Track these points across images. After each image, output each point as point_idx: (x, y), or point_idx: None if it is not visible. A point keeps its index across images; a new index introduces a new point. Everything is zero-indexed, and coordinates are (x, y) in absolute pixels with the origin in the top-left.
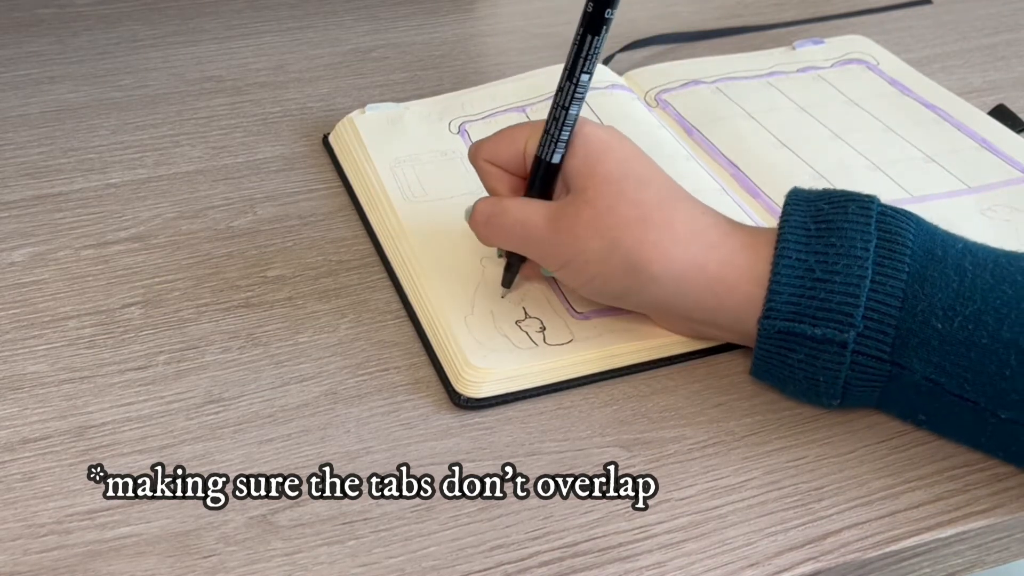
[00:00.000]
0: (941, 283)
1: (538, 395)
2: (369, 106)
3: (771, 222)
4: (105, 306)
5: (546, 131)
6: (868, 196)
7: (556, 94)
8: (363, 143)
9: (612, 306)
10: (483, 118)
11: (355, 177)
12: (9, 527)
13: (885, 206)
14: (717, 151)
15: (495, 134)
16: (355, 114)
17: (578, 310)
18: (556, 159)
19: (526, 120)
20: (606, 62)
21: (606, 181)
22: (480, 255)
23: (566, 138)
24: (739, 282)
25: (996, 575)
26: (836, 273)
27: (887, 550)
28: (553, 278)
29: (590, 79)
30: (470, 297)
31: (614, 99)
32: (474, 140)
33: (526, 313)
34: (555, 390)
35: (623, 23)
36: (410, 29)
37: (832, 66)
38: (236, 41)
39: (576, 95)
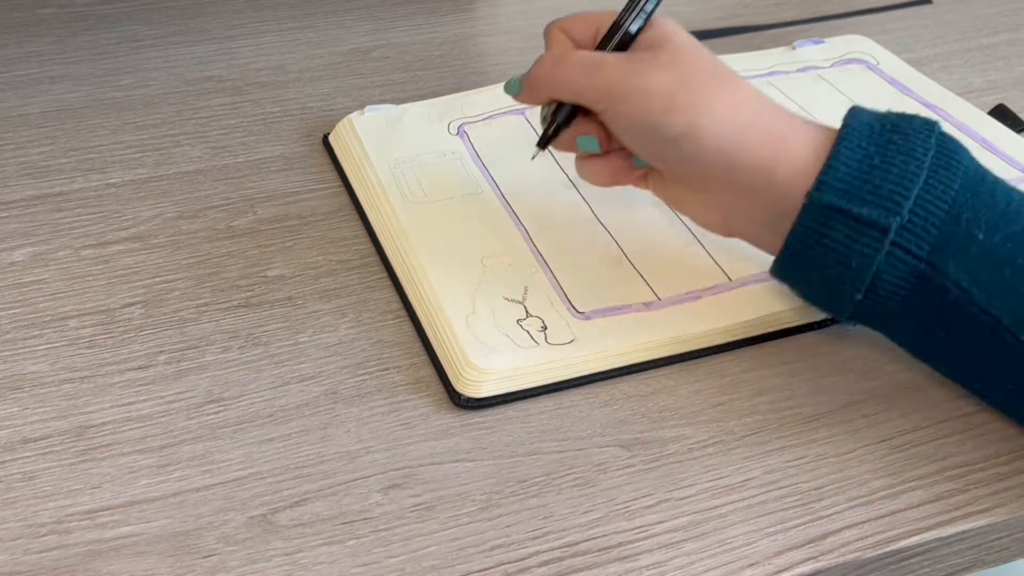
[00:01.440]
0: (989, 201)
1: (538, 395)
2: (368, 108)
3: None
4: (105, 306)
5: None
6: (932, 119)
7: None
8: (362, 144)
9: (657, 160)
10: (483, 119)
11: (355, 177)
12: (9, 527)
13: (945, 131)
14: None
15: (573, 13)
16: (354, 115)
17: (580, 310)
18: (634, 28)
19: (525, 122)
20: None
21: (685, 46)
22: (481, 255)
23: (651, 9)
24: (800, 148)
25: (996, 575)
26: (893, 165)
27: (887, 550)
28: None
29: None
30: (471, 297)
31: None
32: (474, 141)
33: (527, 312)
34: (555, 390)
35: None
36: (410, 29)
37: (832, 66)
38: (236, 41)
39: None
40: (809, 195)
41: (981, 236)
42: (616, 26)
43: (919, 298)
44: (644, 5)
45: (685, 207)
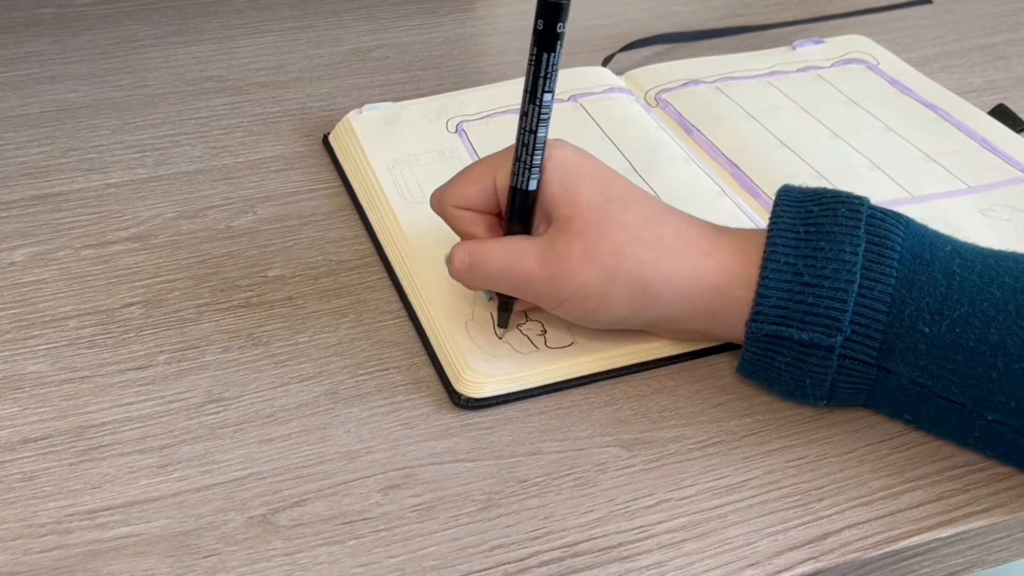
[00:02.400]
0: (928, 287)
1: (538, 395)
2: (367, 106)
3: None
4: (105, 306)
5: (517, 159)
6: (858, 198)
7: (521, 119)
8: (360, 144)
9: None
10: (481, 118)
11: (355, 177)
12: (9, 527)
13: (875, 208)
14: (717, 151)
15: (455, 178)
16: (352, 114)
17: None
18: (532, 186)
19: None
20: (606, 62)
21: (590, 208)
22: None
23: (539, 162)
24: (732, 287)
25: (996, 575)
26: (824, 278)
27: (887, 550)
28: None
29: (552, 98)
30: (470, 302)
31: (612, 102)
32: (472, 140)
33: (527, 316)
34: (555, 390)
35: (623, 23)
36: (410, 29)
37: (832, 66)
38: (236, 41)
39: (542, 117)
40: (748, 326)
41: (927, 330)
42: (514, 190)
43: (880, 395)
44: (532, 161)
45: (651, 332)
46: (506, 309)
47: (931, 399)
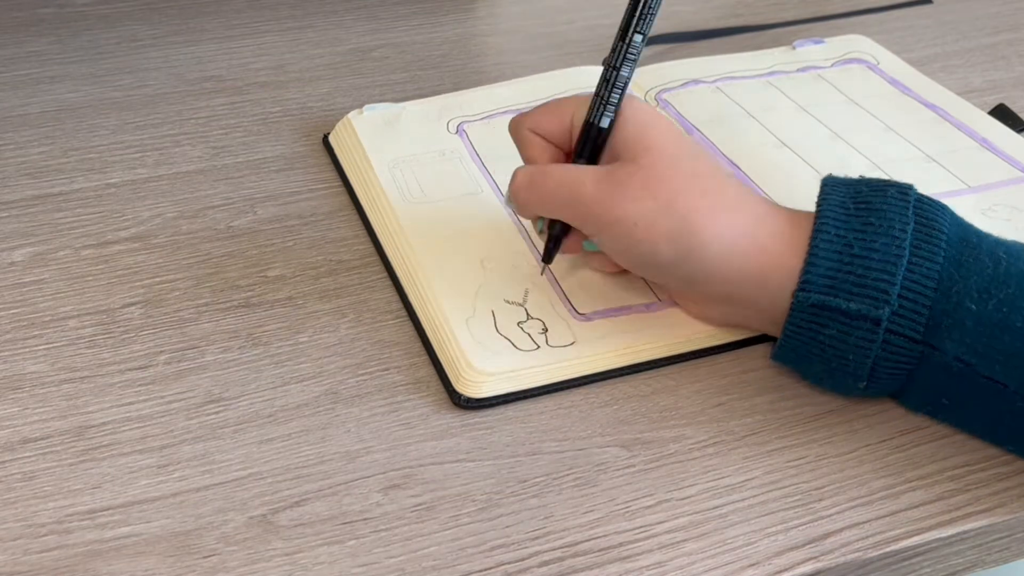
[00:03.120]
0: (976, 267)
1: (538, 395)
2: (367, 106)
3: None
4: (105, 306)
5: (596, 94)
6: (906, 184)
7: (609, 55)
8: (361, 144)
9: (651, 279)
10: (481, 119)
11: (355, 177)
12: (9, 527)
13: (922, 195)
14: (717, 151)
15: (540, 105)
16: (352, 115)
17: (580, 312)
18: (605, 123)
19: None
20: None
21: (660, 150)
22: (480, 256)
23: (616, 101)
24: (784, 255)
25: (997, 575)
26: (874, 250)
27: (888, 550)
28: (596, 253)
29: (643, 41)
30: (471, 299)
31: None
32: (473, 141)
33: (528, 315)
34: (555, 390)
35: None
36: (410, 29)
37: (832, 66)
38: (236, 41)
39: (628, 56)
40: (795, 295)
41: (974, 307)
42: (588, 124)
43: (922, 375)
44: (610, 98)
45: (683, 304)
46: (555, 241)
47: (973, 378)
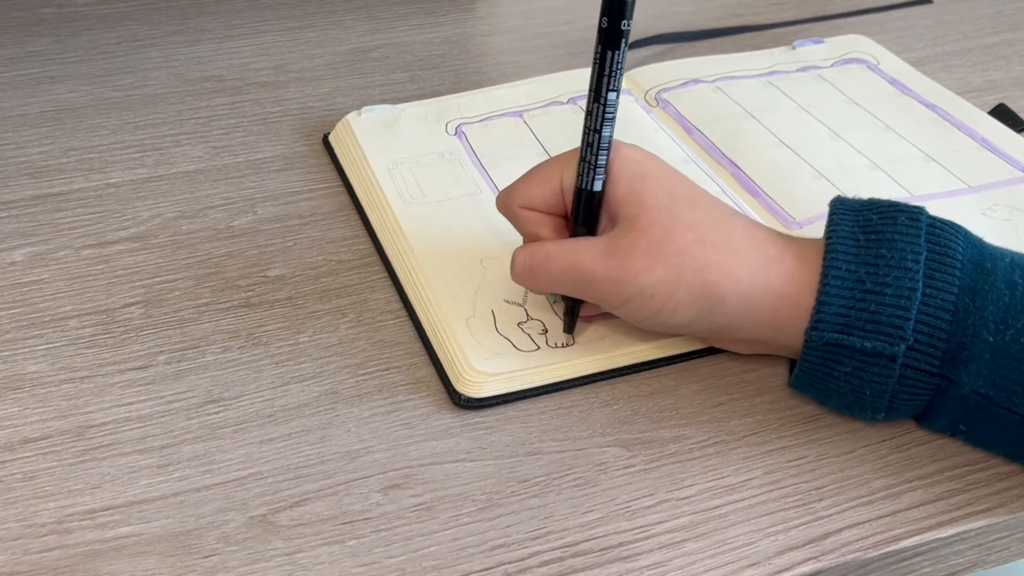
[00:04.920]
0: (992, 296)
1: (538, 395)
2: (365, 108)
3: (771, 222)
4: (105, 306)
5: (582, 159)
6: (916, 208)
7: (586, 118)
8: (360, 145)
9: (673, 334)
10: (480, 121)
11: (355, 177)
12: (9, 527)
13: (934, 218)
14: (717, 150)
15: (523, 177)
16: (351, 116)
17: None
18: (597, 187)
19: (523, 125)
20: None
21: (656, 207)
22: (480, 256)
23: (604, 163)
24: (799, 295)
25: (997, 575)
26: (887, 285)
27: (888, 550)
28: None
29: (618, 96)
30: (471, 299)
31: None
32: (472, 142)
33: (528, 315)
34: (555, 390)
35: None
36: (410, 29)
37: (832, 66)
38: (236, 41)
39: (607, 116)
40: (808, 334)
41: (991, 339)
42: (580, 191)
43: (939, 405)
44: (597, 161)
45: (710, 343)
46: (571, 313)
47: (992, 410)
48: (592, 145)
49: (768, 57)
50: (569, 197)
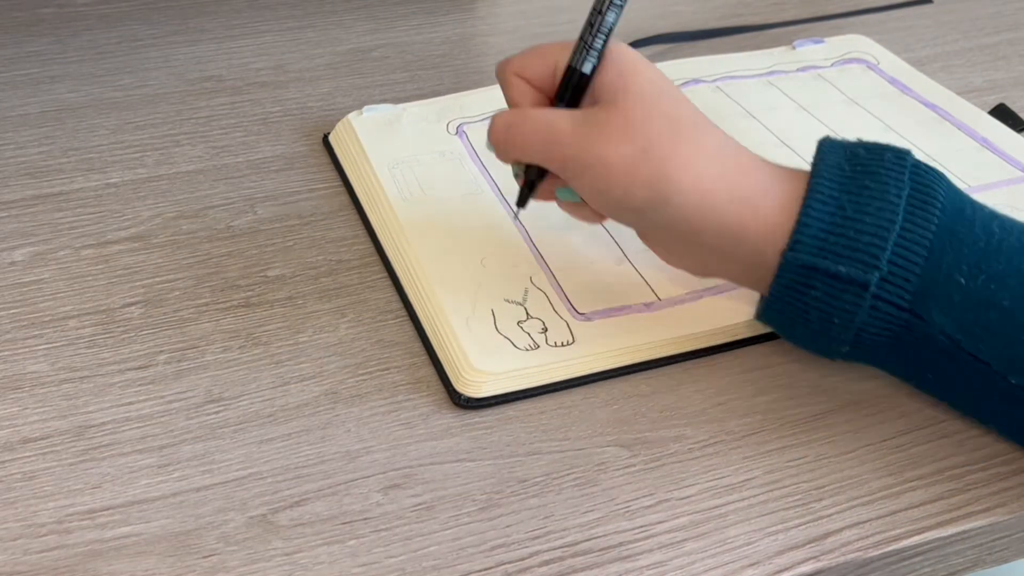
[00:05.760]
0: (969, 240)
1: (538, 395)
2: (366, 108)
3: None
4: (105, 306)
5: (580, 38)
6: (903, 148)
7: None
8: (361, 145)
9: (626, 224)
10: (481, 120)
11: (355, 177)
12: (9, 527)
13: (919, 161)
14: None
15: (526, 49)
16: (352, 115)
17: (580, 311)
18: (587, 68)
19: None
20: None
21: (640, 95)
22: (480, 256)
23: (600, 46)
24: (767, 209)
25: (997, 574)
26: (867, 214)
27: (888, 549)
28: (571, 206)
29: None
30: (471, 298)
31: None
32: (473, 142)
33: (528, 314)
34: (555, 390)
35: (623, 23)
36: (410, 29)
37: (832, 65)
38: (236, 41)
39: (615, 1)
40: (784, 255)
41: (963, 280)
42: (570, 69)
43: (905, 344)
44: (593, 43)
45: (659, 251)
46: (530, 187)
47: (957, 354)
48: (593, 26)
49: (768, 57)
50: (559, 78)
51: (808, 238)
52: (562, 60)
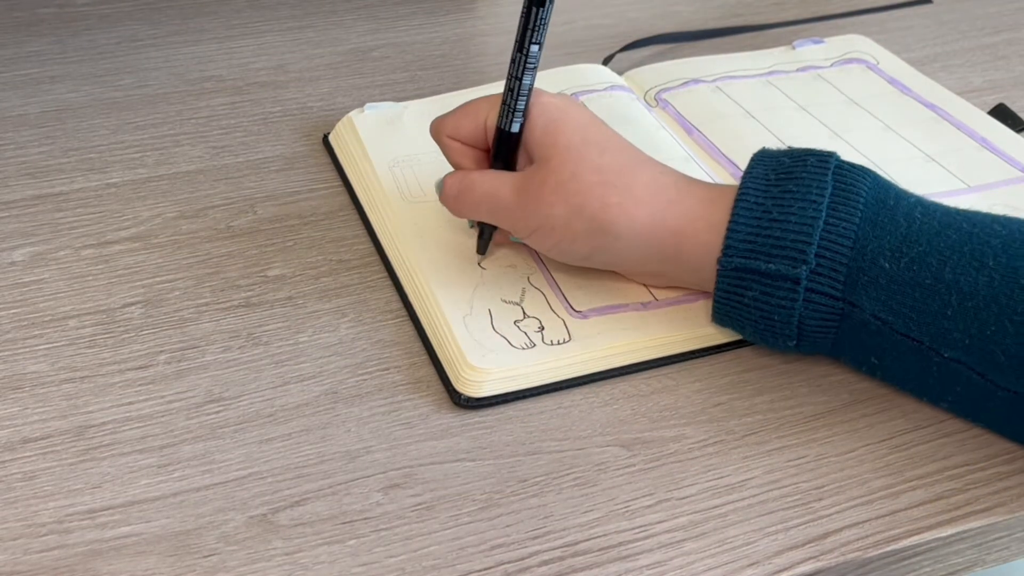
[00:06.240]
0: (890, 227)
1: (538, 394)
2: (368, 105)
3: None
4: (105, 306)
5: (503, 102)
6: (828, 152)
7: (510, 66)
8: (362, 143)
9: (583, 266)
10: None
11: (355, 176)
12: (9, 527)
13: (843, 161)
14: (717, 150)
15: (455, 110)
16: (354, 113)
17: (577, 309)
18: (515, 128)
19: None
20: (606, 62)
21: (567, 149)
22: (479, 256)
23: (523, 107)
24: (697, 231)
25: (996, 574)
26: (792, 214)
27: (887, 549)
28: (524, 244)
29: (540, 50)
30: (469, 297)
31: (613, 100)
32: None
33: (524, 313)
34: (555, 389)
35: (623, 23)
36: (410, 29)
37: (832, 65)
38: (236, 41)
39: (528, 65)
40: (720, 261)
41: (887, 265)
42: (499, 131)
43: (845, 332)
44: (516, 105)
45: (621, 273)
46: (486, 237)
47: (892, 336)
48: (513, 91)
49: (768, 57)
50: (491, 135)
51: (737, 242)
52: (491, 118)
